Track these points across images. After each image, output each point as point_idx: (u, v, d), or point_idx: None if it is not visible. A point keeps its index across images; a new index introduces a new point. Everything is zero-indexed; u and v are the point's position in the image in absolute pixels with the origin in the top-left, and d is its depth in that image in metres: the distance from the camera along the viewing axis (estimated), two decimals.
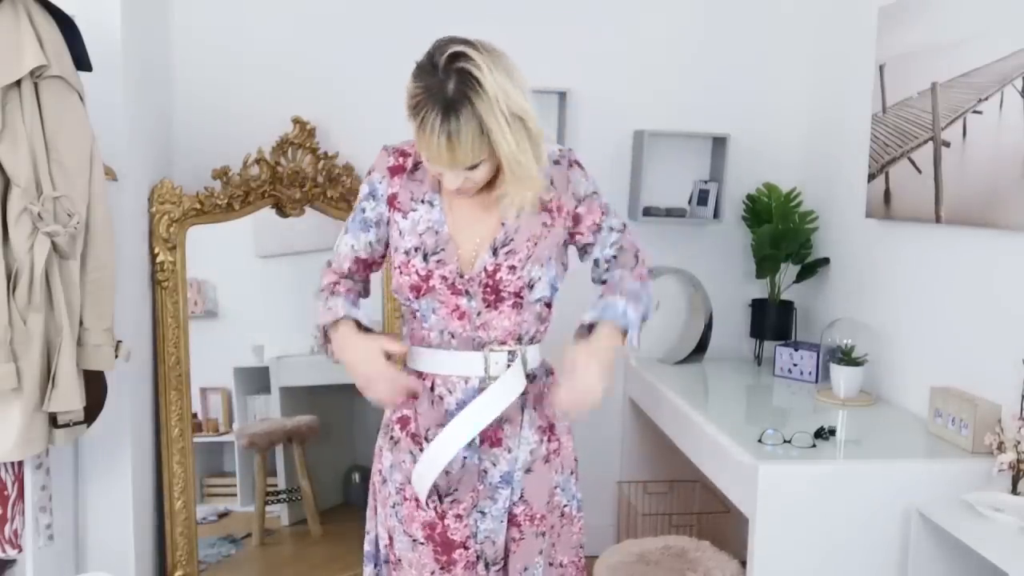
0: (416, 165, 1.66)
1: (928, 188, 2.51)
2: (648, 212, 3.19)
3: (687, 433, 2.61)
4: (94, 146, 1.99)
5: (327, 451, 3.08)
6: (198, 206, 2.70)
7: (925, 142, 2.53)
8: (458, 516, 1.64)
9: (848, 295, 3.00)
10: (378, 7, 3.04)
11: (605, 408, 3.30)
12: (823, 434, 2.29)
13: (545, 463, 1.70)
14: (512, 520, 1.67)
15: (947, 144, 2.44)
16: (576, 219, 1.71)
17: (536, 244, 1.63)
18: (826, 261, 3.12)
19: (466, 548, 1.65)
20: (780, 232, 3.07)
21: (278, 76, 2.93)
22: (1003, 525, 1.88)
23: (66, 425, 1.96)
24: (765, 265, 3.14)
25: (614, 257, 1.76)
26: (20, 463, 2.04)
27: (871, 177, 2.78)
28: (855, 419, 2.53)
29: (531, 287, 1.63)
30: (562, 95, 3.11)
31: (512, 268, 1.61)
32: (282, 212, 2.86)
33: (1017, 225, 2.18)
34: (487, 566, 1.67)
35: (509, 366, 1.63)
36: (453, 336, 1.63)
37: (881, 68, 2.74)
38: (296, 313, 3.00)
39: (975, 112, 2.33)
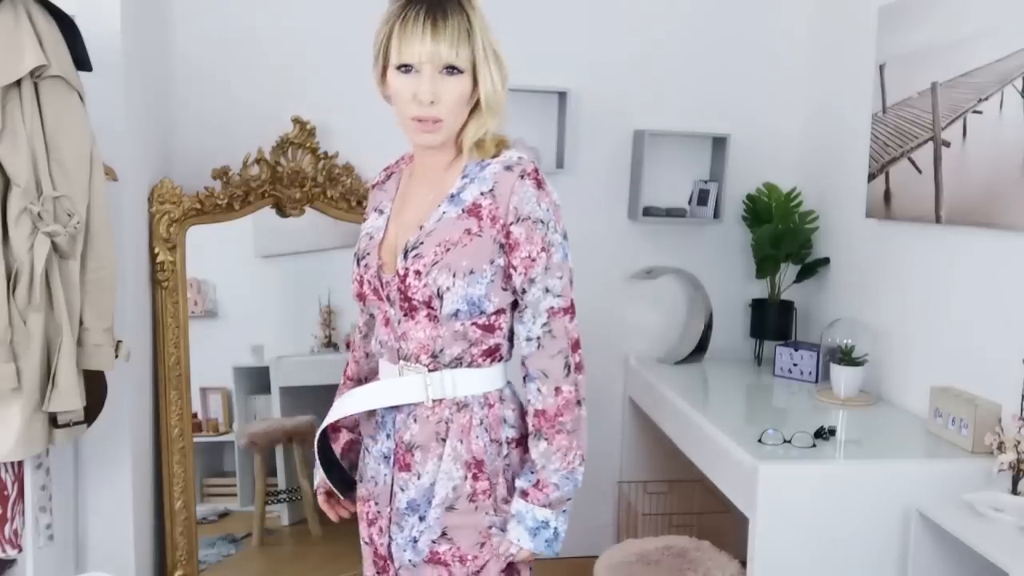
0: (388, 176, 1.69)
1: (928, 188, 2.51)
2: (648, 212, 3.19)
3: (687, 433, 2.61)
4: (94, 146, 1.99)
5: None
6: (198, 206, 2.70)
7: (925, 142, 2.53)
8: (380, 530, 1.62)
9: (848, 295, 3.00)
10: (379, 7, 3.03)
11: (605, 408, 3.33)
12: (823, 434, 2.28)
13: (470, 502, 1.52)
14: (437, 559, 1.53)
15: (947, 144, 2.44)
16: (511, 241, 1.48)
17: (448, 250, 1.46)
18: (826, 261, 3.12)
19: (391, 559, 1.61)
20: (780, 232, 3.07)
21: (278, 76, 2.93)
22: (1003, 525, 1.88)
23: (66, 425, 1.96)
24: (765, 265, 3.14)
25: (538, 344, 1.50)
26: (20, 463, 2.04)
27: (871, 177, 2.78)
28: (855, 419, 2.53)
29: (440, 298, 1.47)
30: (562, 95, 3.11)
31: (418, 273, 1.47)
32: (282, 212, 2.86)
33: (1017, 225, 2.18)
34: None
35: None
36: (382, 345, 1.59)
37: (881, 68, 2.74)
38: (296, 313, 3.01)
39: (975, 112, 2.33)
